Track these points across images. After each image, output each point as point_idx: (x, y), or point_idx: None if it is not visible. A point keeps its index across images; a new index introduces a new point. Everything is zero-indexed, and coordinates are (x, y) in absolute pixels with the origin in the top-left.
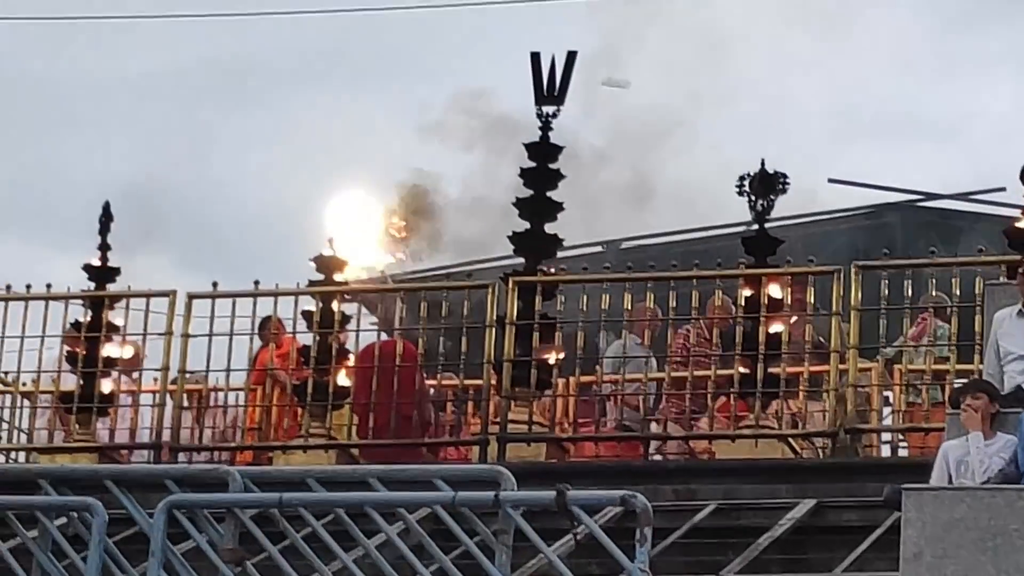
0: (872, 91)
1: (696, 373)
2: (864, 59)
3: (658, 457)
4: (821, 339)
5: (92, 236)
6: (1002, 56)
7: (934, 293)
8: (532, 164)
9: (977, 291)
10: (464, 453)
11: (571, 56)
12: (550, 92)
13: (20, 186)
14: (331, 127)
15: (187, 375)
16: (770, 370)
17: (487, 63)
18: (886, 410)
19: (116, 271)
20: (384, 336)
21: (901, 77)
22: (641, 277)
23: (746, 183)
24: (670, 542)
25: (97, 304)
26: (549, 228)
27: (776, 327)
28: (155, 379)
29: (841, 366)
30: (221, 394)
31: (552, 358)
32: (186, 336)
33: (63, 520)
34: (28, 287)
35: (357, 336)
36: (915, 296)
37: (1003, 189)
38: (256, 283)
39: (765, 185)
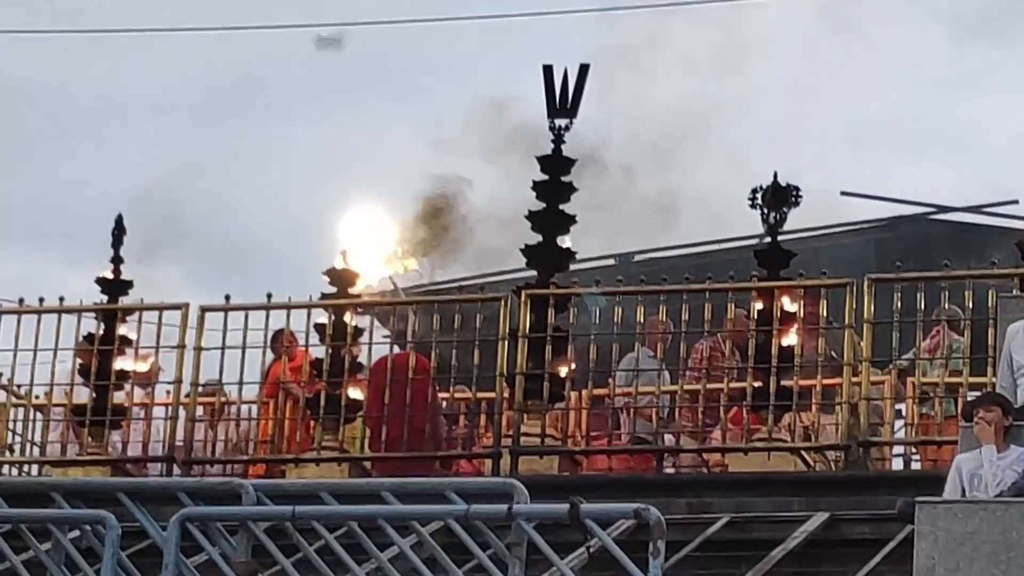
0: (886, 103)
1: (709, 386)
2: (878, 71)
3: (671, 470)
4: (833, 353)
5: (105, 249)
6: (1017, 69)
7: (947, 306)
8: (544, 177)
9: (990, 304)
10: (477, 466)
11: (583, 69)
12: (563, 105)
13: (33, 199)
14: (345, 140)
15: (200, 388)
16: (783, 383)
17: (505, 73)
18: (899, 423)
19: (129, 284)
20: (397, 349)
21: (915, 89)
22: (654, 290)
23: (759, 196)
24: (683, 555)
25: (110, 317)
26: (561, 241)
27: (789, 340)
28: (168, 392)
29: (854, 379)
30: (234, 407)
31: (564, 371)
32: (199, 349)
33: (76, 533)
34: (41, 300)
35: (370, 349)
36: (928, 309)
37: (1016, 202)
38: (269, 296)
39: (778, 198)
